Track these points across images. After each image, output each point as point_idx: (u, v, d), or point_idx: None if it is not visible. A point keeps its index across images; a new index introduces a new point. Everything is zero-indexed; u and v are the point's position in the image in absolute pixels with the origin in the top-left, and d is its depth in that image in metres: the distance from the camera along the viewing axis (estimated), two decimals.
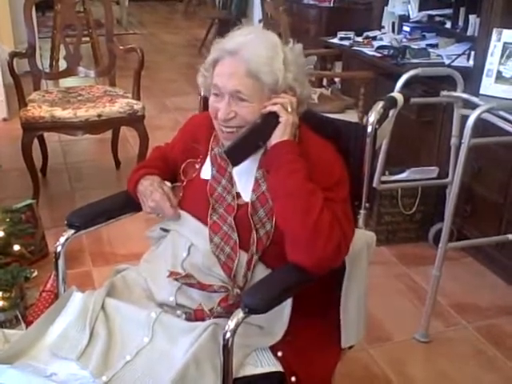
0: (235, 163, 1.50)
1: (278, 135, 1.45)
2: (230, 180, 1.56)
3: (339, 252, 1.40)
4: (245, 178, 1.54)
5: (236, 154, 1.48)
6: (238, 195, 1.55)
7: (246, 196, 1.53)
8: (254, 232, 1.48)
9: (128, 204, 1.74)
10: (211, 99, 1.51)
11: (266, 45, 1.46)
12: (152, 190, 1.61)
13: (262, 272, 1.48)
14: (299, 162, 1.43)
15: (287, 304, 1.45)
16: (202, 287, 1.50)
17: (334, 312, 1.56)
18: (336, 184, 1.47)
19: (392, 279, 2.88)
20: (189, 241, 1.56)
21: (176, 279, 1.52)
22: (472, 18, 3.44)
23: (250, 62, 1.42)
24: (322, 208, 1.38)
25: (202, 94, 1.64)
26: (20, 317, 2.28)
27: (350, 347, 1.63)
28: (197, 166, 1.62)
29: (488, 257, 2.94)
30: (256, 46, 1.45)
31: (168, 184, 1.65)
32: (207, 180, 1.58)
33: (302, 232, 1.38)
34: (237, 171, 1.55)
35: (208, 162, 1.60)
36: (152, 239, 1.74)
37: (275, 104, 1.45)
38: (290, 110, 1.45)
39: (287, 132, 1.45)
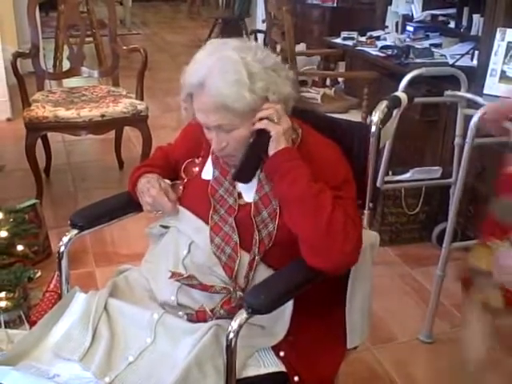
0: (247, 182, 1.51)
1: (273, 147, 1.43)
2: (232, 182, 1.55)
3: (357, 249, 1.40)
4: None
5: (244, 176, 1.49)
6: (240, 195, 1.54)
7: (248, 196, 1.52)
8: (257, 233, 1.48)
9: (131, 204, 1.74)
10: (204, 131, 1.50)
11: (227, 69, 1.39)
12: (149, 187, 1.61)
13: (263, 273, 1.48)
14: (300, 167, 1.42)
15: (288, 304, 1.44)
16: (203, 288, 1.50)
17: (338, 312, 1.56)
18: (343, 183, 1.47)
19: (396, 279, 2.88)
20: (189, 238, 1.55)
21: (178, 280, 1.52)
22: (476, 17, 3.43)
23: (216, 96, 1.39)
24: (333, 207, 1.38)
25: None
26: (23, 317, 2.28)
27: (355, 348, 1.63)
28: (197, 166, 1.62)
29: None
30: (217, 74, 1.39)
31: (167, 181, 1.65)
32: (208, 180, 1.58)
33: (316, 235, 1.38)
34: None
35: (209, 162, 1.60)
36: (151, 236, 1.74)
37: (261, 120, 1.43)
38: (276, 120, 1.42)
39: (282, 141, 1.43)
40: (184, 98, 1.50)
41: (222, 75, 1.39)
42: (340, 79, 4.36)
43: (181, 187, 1.63)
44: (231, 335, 1.31)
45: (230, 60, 1.40)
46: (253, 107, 1.41)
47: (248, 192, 1.53)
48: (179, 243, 1.57)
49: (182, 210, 1.59)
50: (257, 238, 1.48)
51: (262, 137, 1.44)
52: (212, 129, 1.45)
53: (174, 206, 1.59)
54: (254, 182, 1.52)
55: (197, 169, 1.62)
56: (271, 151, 1.44)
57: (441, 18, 3.86)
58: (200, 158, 1.63)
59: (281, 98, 1.45)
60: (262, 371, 1.42)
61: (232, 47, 1.43)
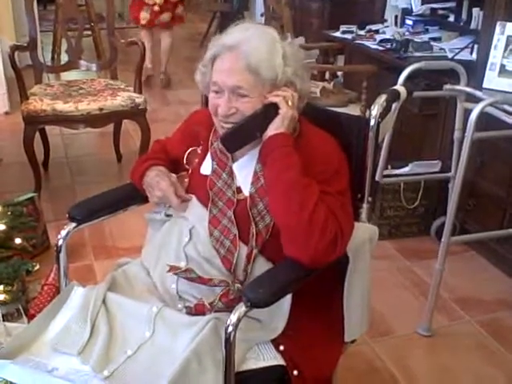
0: (230, 150, 1.50)
1: (275, 127, 1.44)
2: (231, 174, 1.55)
3: (335, 246, 1.39)
4: (245, 172, 1.53)
5: (232, 141, 1.48)
6: (239, 190, 1.54)
7: (247, 190, 1.52)
8: (253, 225, 1.48)
9: (130, 197, 1.74)
10: (211, 96, 1.50)
11: (265, 40, 1.46)
12: (158, 180, 1.60)
13: (262, 265, 1.48)
14: (293, 156, 1.42)
15: (287, 298, 1.44)
16: (202, 281, 1.50)
17: (337, 306, 1.56)
18: (333, 176, 1.46)
19: (395, 273, 2.88)
20: (191, 224, 1.55)
21: (176, 274, 1.52)
22: (475, 11, 3.42)
23: (250, 56, 1.42)
24: (316, 202, 1.37)
25: (201, 90, 1.62)
26: (22, 310, 2.28)
27: (353, 341, 1.63)
28: (197, 157, 1.62)
29: (491, 251, 2.93)
30: (255, 41, 1.44)
31: (173, 175, 1.64)
32: (207, 175, 1.58)
33: (296, 227, 1.37)
34: (237, 166, 1.55)
35: (208, 157, 1.60)
36: (152, 222, 1.74)
37: (277, 96, 1.44)
38: (290, 103, 1.45)
39: (284, 125, 1.44)
40: (205, 63, 1.51)
41: (261, 42, 1.45)
42: (339, 73, 4.35)
43: (186, 180, 1.63)
44: (230, 328, 1.30)
45: (270, 35, 1.49)
46: (276, 82, 1.45)
47: (246, 186, 1.52)
48: (181, 230, 1.57)
49: (191, 196, 1.59)
50: (253, 230, 1.48)
51: (268, 113, 1.45)
52: (226, 91, 1.45)
53: (181, 202, 1.58)
54: (250, 173, 1.51)
55: (197, 160, 1.62)
56: (271, 131, 1.44)
57: (440, 12, 3.85)
58: (200, 147, 1.62)
59: (301, 91, 1.49)
60: (261, 364, 1.42)
61: (272, 29, 1.52)
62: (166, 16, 5.44)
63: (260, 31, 1.49)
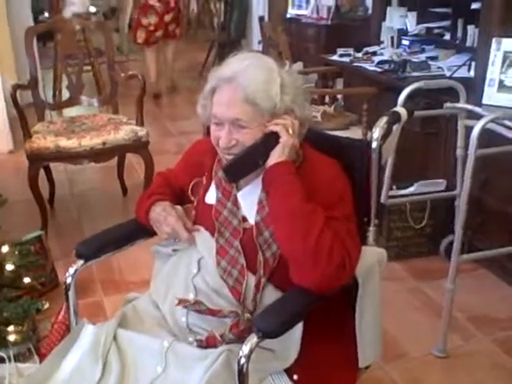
0: (233, 180, 1.51)
1: (276, 156, 1.45)
2: (236, 203, 1.55)
3: (343, 271, 1.38)
4: (250, 200, 1.54)
5: (233, 172, 1.49)
6: (244, 219, 1.54)
7: (252, 219, 1.52)
8: (260, 254, 1.47)
9: (136, 232, 1.74)
10: (212, 128, 1.51)
11: (262, 70, 1.47)
12: (165, 216, 1.60)
13: (271, 293, 1.47)
14: (295, 184, 1.42)
15: (298, 326, 1.43)
16: (211, 313, 1.49)
17: (349, 332, 1.54)
18: (338, 201, 1.47)
19: (405, 295, 2.85)
20: (199, 254, 1.55)
21: (185, 307, 1.51)
22: (470, 28, 3.44)
23: (247, 88, 1.43)
24: (321, 228, 1.37)
25: (203, 122, 1.63)
26: (33, 349, 2.27)
27: (367, 367, 1.61)
28: (202, 188, 1.62)
29: (501, 268, 2.91)
30: (252, 71, 1.45)
31: (179, 208, 1.64)
32: (212, 205, 1.58)
33: (302, 255, 1.37)
34: (242, 194, 1.55)
35: (213, 187, 1.60)
36: (159, 255, 1.73)
37: (277, 124, 1.45)
38: (291, 131, 1.45)
39: (285, 153, 1.45)
40: (205, 95, 1.52)
41: (258, 72, 1.46)
42: (339, 96, 4.37)
43: (193, 212, 1.63)
44: (242, 360, 1.29)
45: (267, 64, 1.50)
46: (275, 112, 1.46)
47: (251, 215, 1.52)
48: (190, 262, 1.57)
49: (199, 228, 1.59)
50: (261, 259, 1.47)
51: (269, 142, 1.46)
52: (226, 124, 1.46)
53: (191, 235, 1.58)
54: (255, 202, 1.51)
55: (202, 190, 1.62)
56: (272, 160, 1.45)
57: (436, 31, 3.87)
58: (204, 178, 1.63)
59: (301, 118, 1.50)
60: None
61: (269, 58, 1.54)
62: (159, 34, 6.31)
63: (257, 61, 1.50)
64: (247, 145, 1.46)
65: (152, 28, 6.26)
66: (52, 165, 3.70)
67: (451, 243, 2.50)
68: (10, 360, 2.11)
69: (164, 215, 1.60)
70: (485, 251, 2.75)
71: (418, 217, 3.12)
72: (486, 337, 2.53)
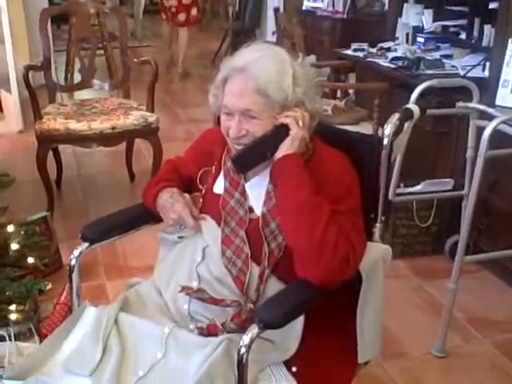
0: (241, 171, 1.51)
1: (285, 148, 1.44)
2: (243, 194, 1.55)
3: (347, 265, 1.38)
4: (257, 191, 1.53)
5: (242, 162, 1.49)
6: (251, 209, 1.54)
7: (259, 210, 1.52)
8: (266, 245, 1.47)
9: (142, 217, 1.74)
10: (222, 118, 1.51)
11: (275, 61, 1.46)
12: (173, 202, 1.60)
13: (274, 285, 1.47)
14: (304, 177, 1.42)
15: (299, 319, 1.43)
16: (214, 302, 1.49)
17: (350, 327, 1.54)
18: (346, 195, 1.46)
19: (407, 293, 2.85)
20: (205, 242, 1.55)
21: (188, 294, 1.51)
22: (487, 28, 3.42)
23: (259, 79, 1.42)
24: (327, 222, 1.37)
25: (214, 112, 1.63)
26: (34, 330, 2.28)
27: (366, 363, 1.61)
28: (210, 177, 1.62)
29: (504, 270, 2.90)
30: (264, 62, 1.45)
31: (187, 195, 1.64)
32: (219, 194, 1.57)
33: (307, 248, 1.37)
34: (249, 185, 1.55)
35: (221, 176, 1.60)
36: (164, 241, 1.73)
37: (288, 117, 1.45)
38: (301, 124, 1.45)
39: (295, 146, 1.44)
40: (217, 85, 1.51)
41: (270, 63, 1.45)
42: (350, 91, 4.36)
43: (201, 200, 1.62)
44: (243, 350, 1.29)
45: (280, 56, 1.49)
46: (286, 104, 1.45)
47: (258, 206, 1.52)
48: (195, 250, 1.57)
49: (205, 217, 1.59)
50: (266, 250, 1.47)
51: (279, 134, 1.45)
52: (237, 114, 1.45)
53: (197, 222, 1.58)
54: (262, 193, 1.51)
55: (210, 179, 1.62)
56: (281, 152, 1.44)
57: (452, 29, 3.84)
58: (213, 167, 1.62)
59: (312, 110, 1.49)
60: None
61: (282, 50, 1.52)
62: (181, 16, 6.62)
63: (270, 52, 1.49)
64: (257, 136, 1.46)
65: (174, 10, 6.57)
66: (61, 147, 3.72)
67: (456, 243, 2.49)
68: (10, 338, 2.12)
69: (171, 202, 1.60)
70: (489, 253, 2.74)
71: (424, 215, 3.11)
72: (485, 338, 2.53)
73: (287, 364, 1.45)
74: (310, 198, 1.40)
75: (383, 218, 1.63)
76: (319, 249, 1.35)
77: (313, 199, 1.40)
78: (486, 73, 3.19)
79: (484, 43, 3.46)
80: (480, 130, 2.39)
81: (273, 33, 5.57)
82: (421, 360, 2.40)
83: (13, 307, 2.23)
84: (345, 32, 5.18)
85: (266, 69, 1.43)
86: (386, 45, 4.07)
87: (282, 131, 1.45)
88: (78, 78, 3.87)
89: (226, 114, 1.49)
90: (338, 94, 4.16)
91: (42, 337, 2.21)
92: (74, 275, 1.66)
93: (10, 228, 2.34)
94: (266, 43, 1.56)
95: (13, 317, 2.22)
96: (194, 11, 6.62)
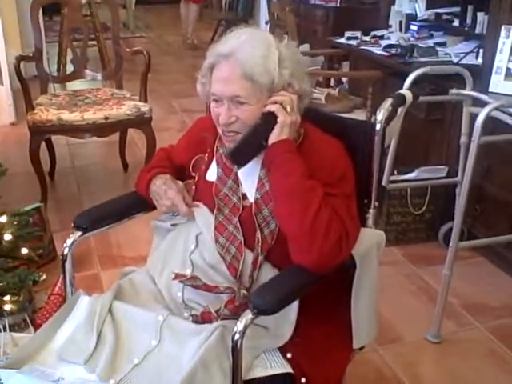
0: (240, 165, 1.50)
1: (275, 135, 1.44)
2: (236, 181, 1.55)
3: (340, 247, 1.38)
4: (250, 178, 1.53)
5: (240, 156, 1.48)
6: (244, 196, 1.53)
7: (252, 197, 1.52)
8: (259, 231, 1.47)
9: (135, 205, 1.74)
10: (212, 105, 1.50)
11: (260, 45, 1.45)
12: (166, 189, 1.60)
13: (268, 272, 1.47)
14: (295, 162, 1.42)
15: (293, 305, 1.43)
16: (207, 289, 1.49)
17: (345, 313, 1.54)
18: (340, 179, 1.46)
19: (402, 279, 2.86)
20: (198, 229, 1.55)
21: (181, 281, 1.51)
22: (480, 15, 3.41)
23: (245, 64, 1.41)
24: (319, 206, 1.37)
25: (203, 100, 1.62)
26: (28, 320, 2.28)
27: (361, 348, 1.62)
28: (204, 164, 1.61)
29: (499, 256, 2.91)
30: (249, 47, 1.43)
31: (180, 182, 1.63)
32: (213, 182, 1.57)
33: (299, 232, 1.37)
34: (242, 172, 1.55)
35: (214, 164, 1.60)
36: (158, 230, 1.73)
37: (275, 103, 1.44)
38: (289, 109, 1.44)
39: (284, 132, 1.44)
40: (204, 72, 1.51)
41: (255, 47, 1.44)
42: (344, 79, 4.35)
43: (193, 187, 1.62)
44: (237, 336, 1.29)
45: (265, 38, 1.48)
46: (273, 87, 1.44)
47: (251, 192, 1.52)
48: (188, 237, 1.56)
49: (198, 204, 1.58)
50: (259, 236, 1.47)
51: (268, 122, 1.44)
52: (225, 100, 1.45)
53: (190, 209, 1.57)
54: (255, 180, 1.51)
55: (203, 167, 1.61)
56: (272, 139, 1.44)
57: (445, 17, 3.84)
58: (206, 154, 1.62)
59: (300, 91, 1.48)
60: (269, 372, 1.40)
61: (266, 32, 1.53)
62: None
63: (254, 36, 1.48)
64: (246, 121, 1.45)
65: None
66: (54, 138, 3.70)
67: (450, 230, 2.50)
68: (5, 329, 2.12)
69: (164, 188, 1.60)
70: (483, 239, 2.76)
71: (418, 202, 3.12)
72: (480, 324, 2.54)
73: (282, 350, 1.45)
74: (301, 182, 1.39)
75: (377, 204, 1.63)
76: (311, 232, 1.35)
77: (305, 183, 1.40)
78: (480, 60, 3.19)
79: (477, 30, 3.46)
80: (473, 117, 2.39)
81: (266, 22, 5.55)
82: (416, 346, 2.41)
83: (7, 298, 2.24)
84: (338, 20, 5.16)
85: (251, 52, 1.42)
86: (379, 33, 4.06)
87: (270, 118, 1.44)
88: (70, 68, 3.85)
89: (214, 101, 1.48)
90: (332, 82, 4.15)
91: (37, 327, 2.20)
92: (67, 264, 1.65)
93: (3, 219, 2.34)
94: (249, 27, 1.54)
95: (7, 307, 2.22)
96: None
